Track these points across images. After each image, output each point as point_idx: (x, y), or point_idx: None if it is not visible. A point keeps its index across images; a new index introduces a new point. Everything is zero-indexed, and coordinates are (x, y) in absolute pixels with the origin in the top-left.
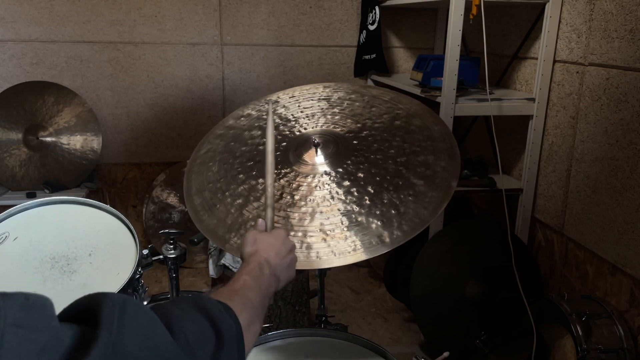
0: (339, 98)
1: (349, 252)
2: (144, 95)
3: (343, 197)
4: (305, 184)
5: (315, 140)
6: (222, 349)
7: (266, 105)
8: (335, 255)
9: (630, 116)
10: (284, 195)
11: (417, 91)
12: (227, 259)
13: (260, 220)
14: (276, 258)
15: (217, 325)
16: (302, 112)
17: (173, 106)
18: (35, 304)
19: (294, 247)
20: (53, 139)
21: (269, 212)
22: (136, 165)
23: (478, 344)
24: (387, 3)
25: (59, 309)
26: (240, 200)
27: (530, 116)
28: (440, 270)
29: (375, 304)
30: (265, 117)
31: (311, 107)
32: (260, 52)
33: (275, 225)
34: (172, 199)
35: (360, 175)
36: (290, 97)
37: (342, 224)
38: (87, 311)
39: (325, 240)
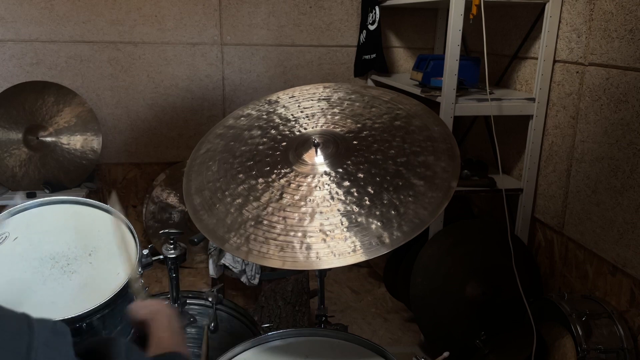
0: (339, 98)
1: (349, 253)
2: (144, 95)
3: (343, 198)
4: (305, 184)
5: (315, 140)
6: None
7: (266, 106)
8: (335, 255)
9: (630, 116)
10: (283, 195)
11: (417, 91)
12: (227, 259)
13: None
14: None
15: None
16: (302, 112)
17: (173, 106)
18: (61, 330)
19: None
20: (53, 139)
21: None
22: (136, 165)
23: (478, 344)
24: (387, 3)
25: (59, 308)
26: (239, 200)
27: (530, 116)
28: (440, 270)
29: (375, 304)
30: (265, 116)
31: (311, 107)
32: (260, 52)
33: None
34: (172, 199)
35: (360, 175)
36: (290, 97)
37: (341, 224)
38: (96, 352)
39: (325, 240)
